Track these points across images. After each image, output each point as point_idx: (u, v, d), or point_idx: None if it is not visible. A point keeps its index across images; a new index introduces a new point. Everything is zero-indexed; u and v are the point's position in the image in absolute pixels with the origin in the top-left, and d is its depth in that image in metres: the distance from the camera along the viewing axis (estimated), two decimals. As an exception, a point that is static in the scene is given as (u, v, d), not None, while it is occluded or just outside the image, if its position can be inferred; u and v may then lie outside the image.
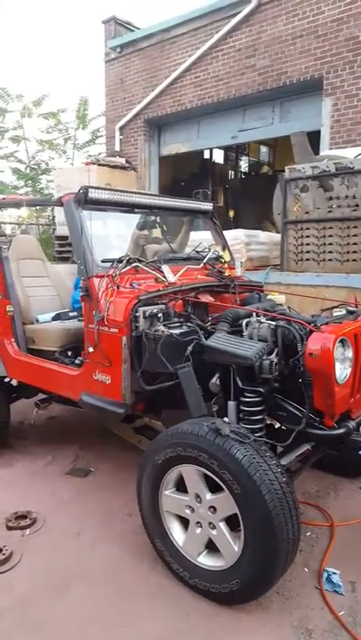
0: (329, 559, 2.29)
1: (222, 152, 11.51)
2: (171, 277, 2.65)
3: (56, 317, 3.21)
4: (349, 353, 2.06)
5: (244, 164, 12.62)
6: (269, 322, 2.29)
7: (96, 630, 1.90)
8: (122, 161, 8.06)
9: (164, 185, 9.20)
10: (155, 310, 2.41)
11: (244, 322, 2.39)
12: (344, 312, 2.50)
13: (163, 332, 2.30)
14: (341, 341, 2.02)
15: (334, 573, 2.16)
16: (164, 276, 2.65)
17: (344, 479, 3.06)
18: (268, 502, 1.77)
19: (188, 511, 2.08)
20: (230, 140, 7.99)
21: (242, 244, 5.81)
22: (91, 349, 2.50)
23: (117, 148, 8.87)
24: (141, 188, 8.33)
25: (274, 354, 2.16)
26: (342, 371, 2.03)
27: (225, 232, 6.11)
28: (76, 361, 2.75)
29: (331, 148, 6.33)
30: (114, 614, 1.98)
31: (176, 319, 2.50)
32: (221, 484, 1.90)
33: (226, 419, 2.07)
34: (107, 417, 2.62)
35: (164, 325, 2.38)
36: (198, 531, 2.05)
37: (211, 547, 2.04)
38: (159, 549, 2.16)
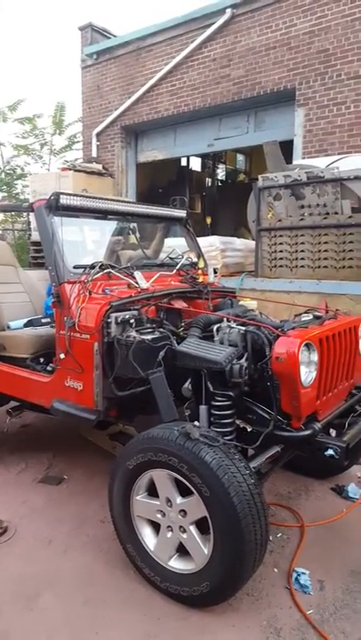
0: (298, 559, 2.33)
1: (199, 160, 11.63)
2: (143, 283, 2.68)
3: (28, 324, 3.20)
4: (315, 356, 2.11)
5: (221, 172, 12.77)
6: (239, 327, 2.34)
7: (65, 637, 1.90)
8: (99, 167, 8.08)
9: (141, 192, 9.24)
10: (127, 316, 2.43)
11: (215, 327, 2.43)
12: (311, 317, 2.56)
13: (134, 337, 2.32)
14: (307, 345, 2.08)
15: (303, 573, 2.20)
16: (137, 283, 2.67)
17: (315, 480, 3.12)
18: (235, 504, 1.81)
19: (159, 515, 2.09)
20: (206, 148, 8.09)
21: (218, 251, 5.88)
22: (62, 356, 2.50)
23: (94, 154, 8.88)
24: (118, 195, 8.36)
25: (244, 358, 2.20)
26: (308, 374, 2.09)
27: (201, 239, 6.21)
28: (48, 368, 2.74)
29: (303, 158, 6.48)
30: (84, 621, 1.98)
31: (149, 325, 2.52)
32: (191, 488, 1.93)
33: (196, 423, 2.10)
34: (79, 424, 2.60)
35: (137, 331, 2.40)
36: (169, 535, 2.07)
37: (181, 550, 2.06)
38: (131, 554, 2.17)
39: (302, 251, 5.18)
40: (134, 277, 2.68)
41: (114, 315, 2.39)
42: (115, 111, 8.54)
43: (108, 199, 2.96)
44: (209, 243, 5.95)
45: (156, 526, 2.14)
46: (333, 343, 2.28)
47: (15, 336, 3.09)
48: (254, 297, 5.24)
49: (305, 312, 2.75)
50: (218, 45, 7.21)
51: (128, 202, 3.11)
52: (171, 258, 3.27)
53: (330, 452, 2.01)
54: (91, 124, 9.02)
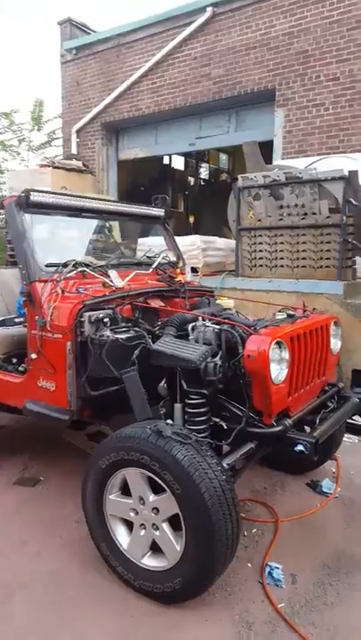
0: (272, 554, 2.37)
1: (182, 158, 11.63)
2: (118, 282, 2.68)
3: (1, 323, 3.16)
4: (286, 354, 2.15)
5: (204, 171, 12.81)
6: (214, 326, 2.36)
7: (36, 639, 1.89)
8: (78, 164, 8.02)
9: (122, 189, 9.21)
10: (101, 315, 2.43)
11: (190, 326, 2.45)
12: (285, 316, 2.60)
13: (108, 336, 2.32)
14: (278, 343, 2.11)
15: (276, 567, 2.24)
16: (112, 281, 2.66)
17: (290, 476, 3.17)
18: (206, 501, 1.83)
19: (132, 514, 2.10)
20: (188, 147, 8.10)
21: (199, 250, 5.90)
22: (34, 356, 2.49)
23: (74, 150, 8.81)
24: (99, 192, 8.31)
25: (218, 356, 2.22)
26: (279, 371, 2.12)
27: (183, 238, 6.23)
28: (20, 368, 2.72)
29: (283, 158, 6.54)
30: (56, 622, 1.97)
31: (124, 324, 2.52)
32: (163, 485, 1.94)
33: (169, 421, 2.11)
34: (53, 424, 2.59)
35: (111, 330, 2.40)
36: (142, 532, 2.08)
37: (155, 548, 2.07)
38: (104, 553, 2.18)
39: (281, 250, 5.23)
40: (109, 276, 2.67)
41: (87, 314, 2.39)
42: (95, 108, 8.49)
43: (81, 197, 2.94)
44: (190, 242, 5.97)
45: (129, 525, 2.15)
46: (305, 341, 2.32)
47: (-11, 335, 3.06)
48: (235, 296, 5.29)
49: (279, 311, 2.79)
50: (199, 44, 7.22)
51: (103, 200, 3.09)
52: (148, 257, 3.27)
53: (300, 447, 2.05)
54: (71, 120, 8.95)
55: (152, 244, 3.73)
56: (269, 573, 2.20)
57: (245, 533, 2.54)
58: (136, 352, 2.31)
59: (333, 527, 2.62)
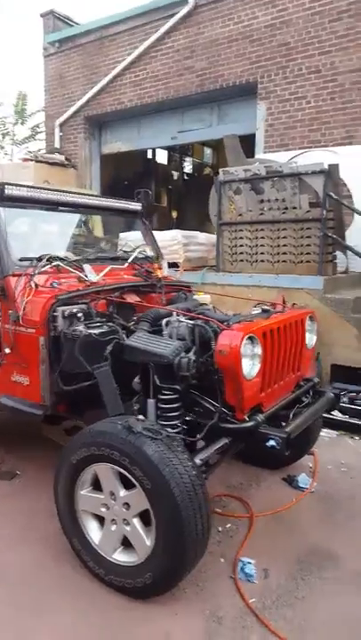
0: (246, 549, 2.37)
1: (166, 153, 11.58)
2: (93, 277, 2.65)
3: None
4: (258, 350, 2.14)
5: (188, 165, 12.76)
6: (188, 321, 2.35)
7: (5, 631, 1.88)
8: (61, 158, 7.94)
9: (106, 183, 9.14)
10: (74, 310, 2.40)
11: (164, 321, 2.43)
12: (260, 311, 2.60)
13: (81, 331, 2.30)
14: (250, 338, 2.10)
15: (249, 563, 2.24)
16: (86, 276, 2.64)
17: (267, 471, 3.18)
18: (176, 496, 1.82)
19: (103, 509, 2.09)
20: (170, 140, 8.08)
21: (180, 245, 5.88)
22: (7, 350, 2.45)
23: (57, 144, 8.72)
24: (81, 187, 8.23)
25: (192, 352, 2.21)
26: (251, 366, 2.12)
27: (164, 232, 6.20)
28: (-5, 362, 2.68)
29: (265, 152, 6.55)
30: (27, 614, 1.96)
31: (98, 319, 2.50)
32: (134, 481, 1.93)
33: (140, 416, 2.10)
34: (27, 419, 2.57)
35: (85, 325, 2.38)
36: (113, 528, 2.07)
37: (126, 543, 2.06)
38: (76, 548, 2.16)
39: (262, 245, 5.24)
40: (83, 271, 2.64)
41: (60, 308, 2.36)
42: (78, 101, 8.41)
43: (58, 190, 2.90)
44: (171, 236, 5.95)
45: (101, 520, 2.14)
46: (278, 336, 2.32)
47: None
48: (215, 291, 5.29)
49: (254, 306, 2.79)
50: (181, 36, 7.17)
51: (81, 194, 3.05)
52: (125, 251, 3.24)
53: (271, 442, 2.05)
54: (54, 114, 8.84)
55: (133, 239, 3.71)
56: (242, 569, 2.21)
57: (220, 529, 2.55)
58: (109, 347, 2.29)
59: (308, 522, 2.64)
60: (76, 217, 3.53)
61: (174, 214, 10.44)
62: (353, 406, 3.92)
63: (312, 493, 2.93)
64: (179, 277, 5.55)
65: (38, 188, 2.74)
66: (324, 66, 6.04)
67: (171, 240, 5.88)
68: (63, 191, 2.92)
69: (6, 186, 2.52)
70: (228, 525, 2.59)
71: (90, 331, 2.30)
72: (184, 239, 5.93)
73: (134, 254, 3.10)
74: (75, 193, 3.09)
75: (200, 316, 2.38)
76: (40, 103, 9.32)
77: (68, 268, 2.64)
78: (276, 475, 3.14)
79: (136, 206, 3.46)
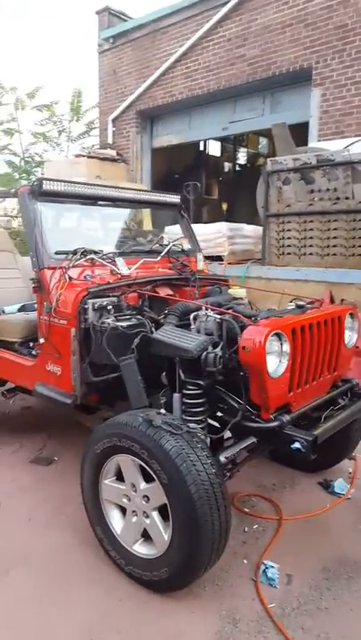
0: (271, 552, 2.30)
1: (218, 144, 11.43)
2: (124, 270, 2.67)
3: (21, 309, 3.24)
4: (286, 347, 2.06)
5: (242, 156, 12.53)
6: (216, 316, 2.30)
7: (29, 609, 1.95)
8: (112, 153, 8.05)
9: (157, 178, 9.18)
10: (105, 303, 2.43)
11: (192, 315, 2.40)
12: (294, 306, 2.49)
13: (109, 324, 2.32)
14: (277, 335, 2.02)
15: (272, 566, 2.18)
16: (118, 269, 2.65)
17: (303, 474, 3.07)
18: (192, 493, 1.79)
19: (125, 500, 2.11)
20: (221, 131, 7.95)
21: (225, 238, 5.80)
22: (42, 340, 2.53)
23: (110, 140, 8.86)
24: (132, 181, 8.32)
25: (219, 347, 2.17)
26: (278, 365, 2.04)
27: (208, 225, 6.14)
28: (33, 352, 2.78)
29: (319, 140, 6.27)
30: (48, 597, 2.03)
31: (129, 312, 2.51)
32: (152, 474, 1.93)
33: (162, 410, 2.09)
34: (58, 407, 2.64)
35: (114, 318, 2.40)
36: (134, 519, 2.08)
37: (146, 535, 2.07)
38: (99, 537, 2.20)
39: (311, 237, 5.05)
40: (116, 264, 2.66)
41: (91, 301, 2.40)
42: (130, 96, 8.47)
43: (95, 185, 2.94)
44: (216, 229, 5.87)
45: (124, 511, 2.16)
46: (311, 334, 2.21)
47: (7, 320, 3.14)
48: (259, 285, 5.17)
49: (290, 301, 2.68)
50: (233, 24, 7.01)
51: (123, 188, 3.07)
52: (161, 245, 3.23)
53: (296, 445, 1.96)
54: (107, 109, 8.98)
55: (178, 232, 3.68)
56: (264, 572, 2.15)
57: (246, 529, 2.50)
58: (136, 340, 2.29)
59: (340, 530, 2.52)
60: (118, 211, 3.57)
61: (224, 206, 10.29)
62: None
63: (348, 500, 2.80)
64: (223, 271, 5.50)
65: (75, 182, 2.78)
66: (384, 47, 5.68)
67: (216, 233, 5.81)
68: (101, 185, 2.95)
69: (44, 181, 2.58)
70: (255, 526, 2.53)
71: (117, 323, 2.32)
72: (229, 232, 5.84)
73: (167, 247, 3.08)
74: (114, 187, 3.12)
75: (228, 310, 2.32)
76: (94, 100, 9.51)
77: (101, 261, 2.67)
78: (313, 478, 3.02)
79: (174, 199, 3.43)
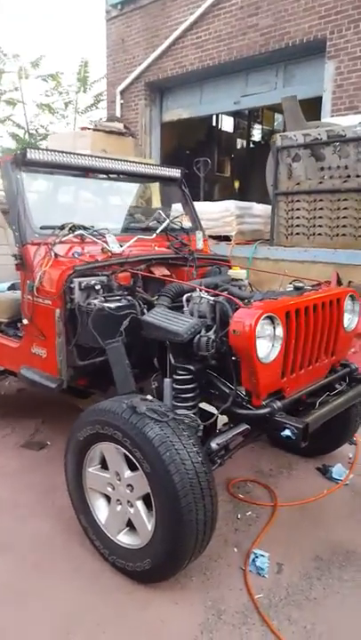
0: (263, 540, 2.23)
1: (231, 120, 11.07)
2: (116, 248, 2.54)
3: (11, 287, 3.14)
4: (279, 331, 1.94)
5: (257, 133, 12.14)
6: (210, 297, 2.19)
7: (9, 598, 1.91)
8: (119, 126, 7.81)
9: (167, 153, 8.94)
10: (92, 282, 2.32)
11: (185, 297, 2.28)
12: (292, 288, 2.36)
13: (95, 305, 2.21)
14: (270, 318, 1.90)
15: (262, 555, 2.10)
16: (109, 246, 2.53)
17: (301, 458, 2.98)
18: (175, 482, 1.71)
19: (109, 489, 2.04)
20: (233, 105, 7.67)
21: (233, 217, 5.61)
22: (25, 321, 2.44)
23: (118, 113, 8.62)
24: (141, 156, 8.11)
25: (212, 331, 2.06)
26: (270, 349, 1.92)
27: (216, 203, 5.94)
28: (19, 333, 2.69)
29: (332, 116, 6.00)
30: (30, 585, 1.98)
31: (120, 292, 2.40)
32: (136, 463, 1.85)
33: (149, 396, 2.00)
34: (44, 391, 2.55)
35: (103, 298, 2.29)
36: (118, 508, 2.01)
37: (131, 525, 2.00)
38: (84, 526, 2.14)
39: (320, 217, 4.85)
40: (106, 241, 2.54)
41: (77, 280, 2.29)
42: (139, 66, 8.19)
43: (86, 155, 2.78)
44: (224, 207, 5.68)
45: (108, 499, 2.09)
46: (307, 317, 2.09)
47: (-6, 299, 3.04)
48: (267, 266, 5.01)
49: (290, 282, 2.55)
50: (246, -9, 6.67)
51: (111, 159, 2.89)
52: (158, 222, 3.09)
53: (287, 432, 1.86)
54: (115, 80, 8.71)
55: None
56: (253, 561, 2.08)
57: (239, 516, 2.43)
58: (125, 322, 2.19)
59: (335, 517, 2.43)
60: (115, 185, 3.43)
61: (236, 184, 10.01)
62: None
63: (346, 486, 2.71)
64: (231, 251, 5.33)
65: (65, 152, 2.62)
66: None
67: (224, 211, 5.63)
68: (93, 156, 2.80)
69: (28, 149, 2.44)
70: (249, 513, 2.46)
71: (104, 304, 2.21)
72: (238, 210, 5.64)
73: (164, 224, 2.94)
74: (108, 158, 2.94)
75: (222, 292, 2.20)
76: (103, 71, 9.22)
77: (91, 237, 2.55)
78: (311, 463, 2.94)
79: (174, 172, 3.27)
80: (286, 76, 6.87)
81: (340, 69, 5.86)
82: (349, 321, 2.42)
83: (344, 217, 4.66)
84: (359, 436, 2.96)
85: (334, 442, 2.86)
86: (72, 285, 2.28)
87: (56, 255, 2.39)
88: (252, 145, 11.82)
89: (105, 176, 3.04)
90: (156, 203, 4.76)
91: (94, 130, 7.29)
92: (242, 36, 6.79)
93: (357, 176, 4.55)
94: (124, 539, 2.01)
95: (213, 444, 2.07)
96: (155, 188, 4.59)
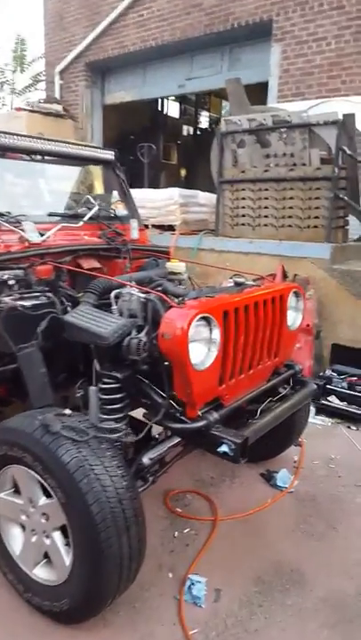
0: (201, 561, 2.03)
1: (177, 105, 10.77)
2: (35, 237, 2.23)
3: None
4: (216, 333, 1.72)
5: (204, 120, 11.92)
6: (140, 294, 1.93)
7: None
8: (58, 108, 7.35)
9: (110, 137, 8.53)
10: (5, 277, 2.00)
11: (113, 294, 2.02)
12: (232, 284, 2.16)
13: (6, 303, 1.90)
14: (205, 319, 1.68)
15: (198, 582, 1.90)
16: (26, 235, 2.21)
17: (245, 464, 2.79)
18: (94, 514, 1.47)
19: (23, 517, 1.76)
20: (177, 89, 7.39)
21: (176, 205, 5.36)
22: None
23: (57, 94, 8.11)
24: (80, 140, 7.65)
25: (143, 332, 1.81)
26: (205, 354, 1.70)
27: (159, 191, 5.67)
28: None
29: (279, 102, 5.86)
30: None
31: (40, 289, 2.10)
32: (50, 490, 1.58)
33: (67, 410, 1.73)
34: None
35: (17, 295, 1.98)
36: (34, 539, 1.74)
37: (48, 557, 1.74)
38: (-5, 558, 1.85)
39: (266, 207, 4.69)
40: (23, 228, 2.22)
41: (-15, 274, 1.96)
42: (79, 45, 7.71)
43: (6, 133, 2.42)
44: (168, 195, 5.42)
45: (24, 529, 1.81)
46: (247, 316, 1.88)
47: None
48: (212, 258, 4.81)
49: (230, 277, 2.35)
50: (190, -33, 6.38)
51: (33, 137, 2.56)
52: (89, 208, 2.78)
53: (223, 448, 1.66)
54: (54, 60, 8.19)
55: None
56: (189, 588, 1.87)
57: (176, 534, 2.22)
58: (43, 323, 1.90)
59: (279, 531, 2.27)
60: (42, 167, 3.09)
61: (183, 172, 9.77)
62: (352, 392, 3.49)
63: (291, 494, 2.56)
64: (175, 242, 5.09)
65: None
66: (348, 1, 5.25)
67: (167, 199, 5.37)
68: (9, 133, 2.44)
69: None
70: (187, 530, 2.25)
71: (18, 302, 1.91)
72: (182, 199, 5.40)
73: (92, 211, 2.64)
74: (32, 137, 2.60)
75: (153, 289, 1.95)
76: (42, 49, 8.64)
77: (5, 224, 2.22)
78: (255, 469, 2.77)
79: (107, 154, 2.96)
80: (232, 59, 6.66)
81: (287, 53, 5.71)
82: (293, 319, 2.25)
83: (290, 207, 4.53)
84: (304, 438, 2.82)
85: (279, 446, 2.71)
86: (-22, 281, 1.95)
87: None
88: (199, 132, 11.59)
89: (28, 157, 2.68)
90: (100, 189, 4.43)
91: (30, 111, 6.81)
92: (185, 15, 6.51)
93: (303, 164, 4.43)
94: (41, 573, 1.74)
95: (146, 459, 1.86)
96: (97, 174, 4.26)
